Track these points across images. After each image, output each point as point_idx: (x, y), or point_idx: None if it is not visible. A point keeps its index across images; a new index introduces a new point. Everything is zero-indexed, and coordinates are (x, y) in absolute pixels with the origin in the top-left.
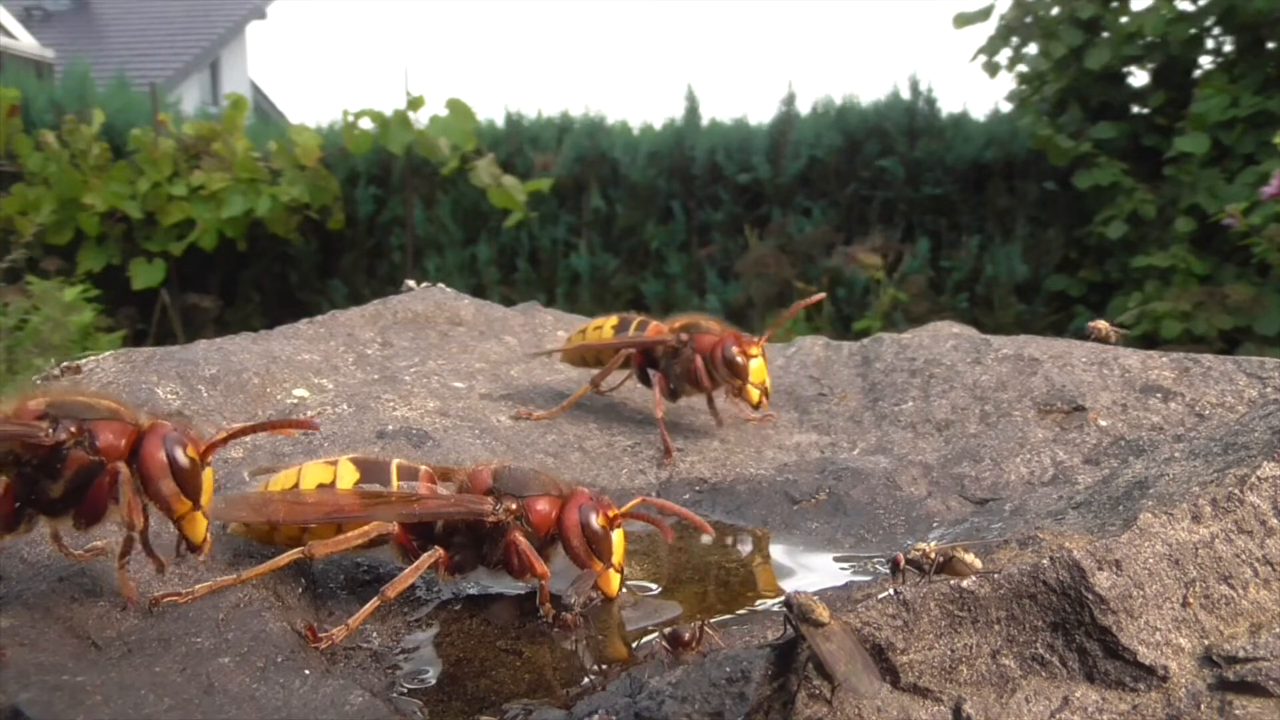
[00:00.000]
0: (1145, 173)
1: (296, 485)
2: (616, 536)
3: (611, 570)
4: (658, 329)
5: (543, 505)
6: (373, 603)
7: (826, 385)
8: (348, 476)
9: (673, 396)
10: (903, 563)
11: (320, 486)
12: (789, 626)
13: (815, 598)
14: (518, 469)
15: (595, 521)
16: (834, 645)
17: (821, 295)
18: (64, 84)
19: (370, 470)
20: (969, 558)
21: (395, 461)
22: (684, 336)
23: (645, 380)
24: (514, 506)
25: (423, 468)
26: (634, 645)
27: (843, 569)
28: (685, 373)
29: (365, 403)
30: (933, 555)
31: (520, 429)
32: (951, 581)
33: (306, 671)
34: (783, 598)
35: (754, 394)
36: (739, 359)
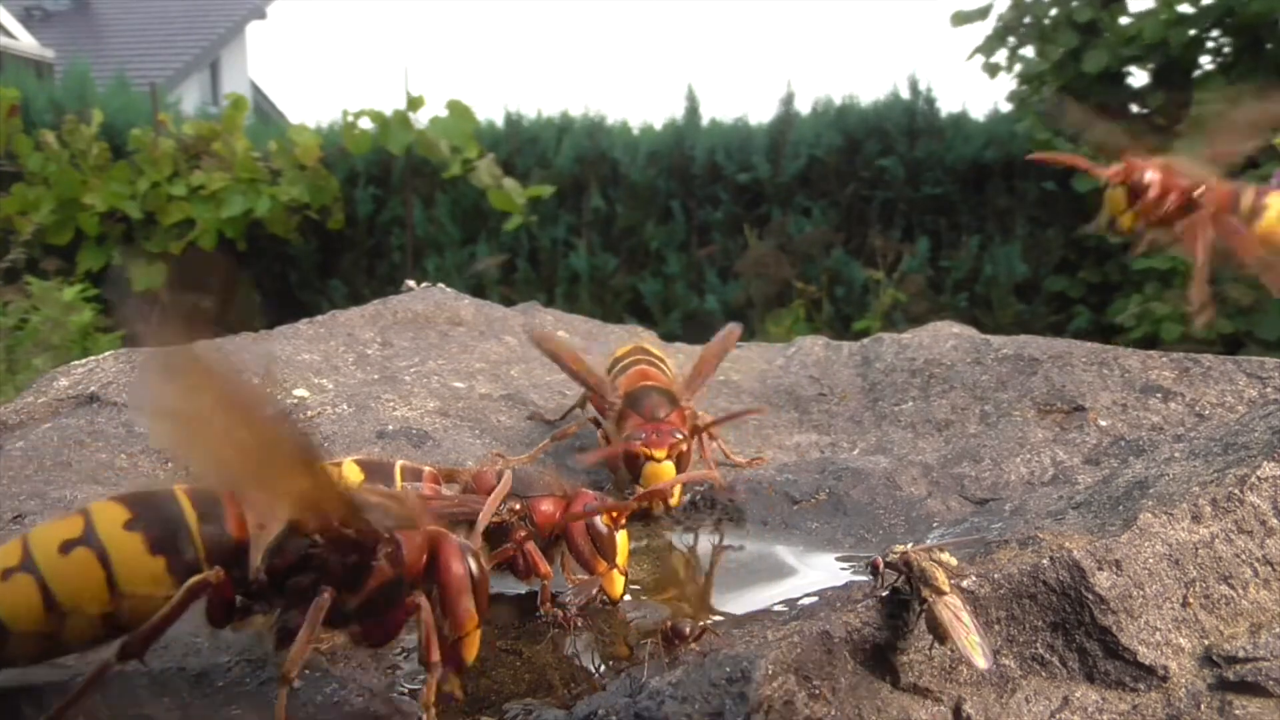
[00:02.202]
0: None
1: None
2: (621, 537)
3: (615, 571)
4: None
5: (546, 506)
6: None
7: (826, 385)
8: (352, 476)
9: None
10: (882, 566)
11: None
12: (905, 583)
13: (935, 561)
14: (522, 470)
15: (600, 521)
16: (950, 614)
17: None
18: (64, 84)
19: (374, 471)
20: (944, 557)
21: (399, 462)
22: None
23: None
24: (518, 507)
25: (427, 468)
26: (635, 646)
27: (843, 569)
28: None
29: (365, 403)
30: (911, 557)
31: (520, 429)
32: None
33: (306, 671)
34: (895, 552)
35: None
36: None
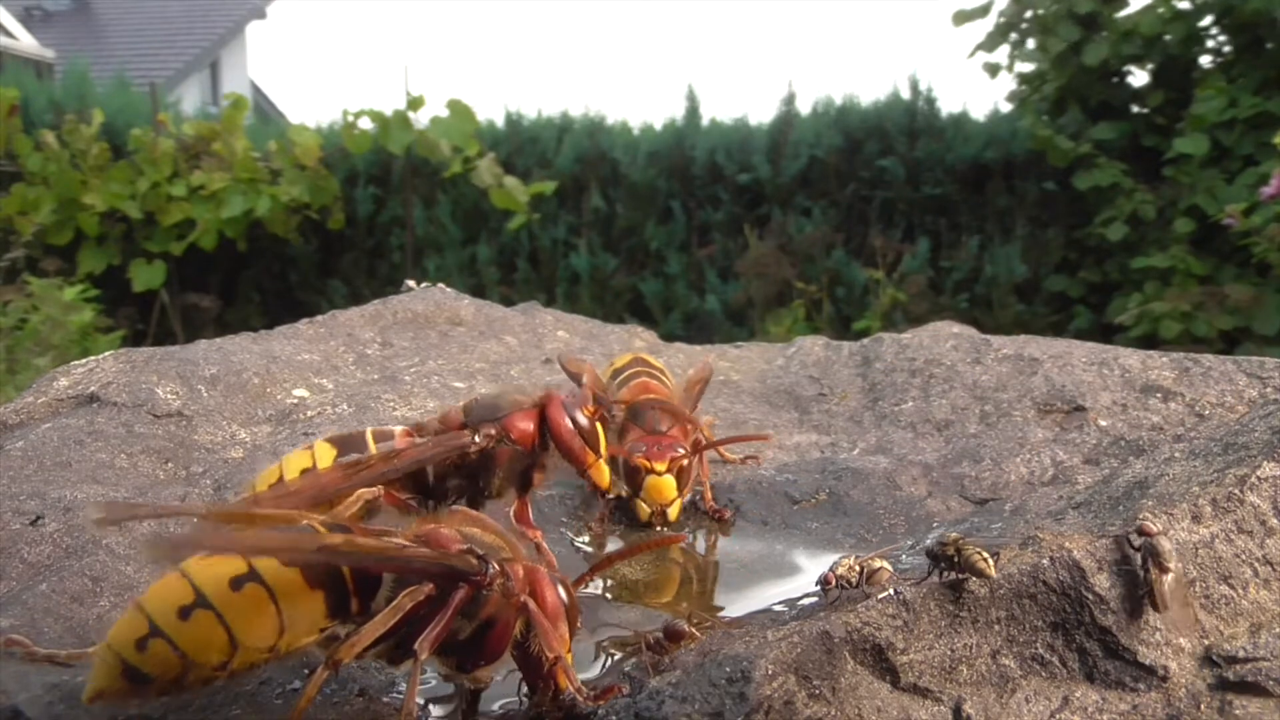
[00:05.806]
0: (1145, 173)
1: (280, 479)
2: (600, 429)
3: (601, 463)
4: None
5: (521, 421)
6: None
7: (826, 385)
8: (326, 455)
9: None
10: (834, 581)
11: (303, 472)
12: (1140, 560)
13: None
14: (486, 396)
15: (582, 417)
16: (1169, 588)
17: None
18: (64, 84)
19: (346, 444)
20: (876, 564)
21: (369, 429)
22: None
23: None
24: (493, 432)
25: (397, 429)
26: (630, 646)
27: None
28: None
29: (365, 403)
30: (857, 568)
31: None
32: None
33: (306, 671)
34: (1136, 525)
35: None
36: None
